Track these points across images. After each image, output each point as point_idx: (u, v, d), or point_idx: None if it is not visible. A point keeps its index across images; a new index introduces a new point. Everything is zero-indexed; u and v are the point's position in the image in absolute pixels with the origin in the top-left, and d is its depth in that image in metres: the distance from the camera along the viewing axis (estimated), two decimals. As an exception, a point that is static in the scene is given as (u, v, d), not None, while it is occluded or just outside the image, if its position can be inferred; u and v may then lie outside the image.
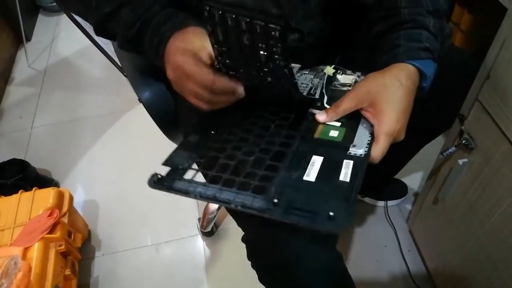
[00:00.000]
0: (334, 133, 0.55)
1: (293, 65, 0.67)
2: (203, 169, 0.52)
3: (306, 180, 0.48)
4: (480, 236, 0.77)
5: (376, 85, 0.54)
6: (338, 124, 0.57)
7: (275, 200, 0.45)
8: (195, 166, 0.52)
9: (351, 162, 0.50)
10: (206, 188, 0.48)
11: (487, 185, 0.71)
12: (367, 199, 1.27)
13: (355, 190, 0.46)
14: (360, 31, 0.76)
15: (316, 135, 0.56)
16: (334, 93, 0.63)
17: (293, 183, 0.48)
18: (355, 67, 0.67)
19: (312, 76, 0.67)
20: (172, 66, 0.54)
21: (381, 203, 1.26)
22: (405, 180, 1.30)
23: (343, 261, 0.64)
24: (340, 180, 0.48)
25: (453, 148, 0.76)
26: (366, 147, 0.53)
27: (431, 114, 0.76)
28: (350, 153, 0.52)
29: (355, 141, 0.53)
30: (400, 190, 1.27)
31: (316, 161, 0.51)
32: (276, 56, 0.47)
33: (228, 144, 0.55)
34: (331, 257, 0.61)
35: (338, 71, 0.68)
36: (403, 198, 1.27)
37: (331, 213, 0.43)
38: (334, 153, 0.52)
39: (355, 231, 1.22)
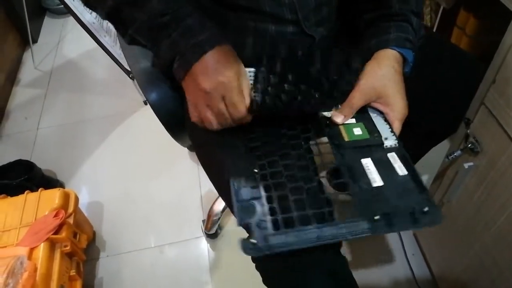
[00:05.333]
0: (358, 131, 0.61)
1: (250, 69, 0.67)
2: (283, 214, 0.51)
3: (377, 187, 0.53)
4: (486, 240, 0.77)
5: (378, 79, 0.60)
6: (353, 120, 0.62)
7: (376, 217, 0.49)
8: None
9: (394, 154, 0.57)
10: (304, 232, 0.49)
11: (492, 188, 0.71)
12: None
13: (419, 178, 0.53)
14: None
15: (346, 138, 0.60)
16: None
17: (370, 194, 0.52)
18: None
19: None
20: (212, 78, 0.55)
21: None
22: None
23: (348, 265, 0.64)
24: (401, 176, 0.54)
25: (459, 152, 0.76)
26: (393, 135, 0.60)
27: (437, 117, 0.76)
28: (386, 146, 0.58)
29: (382, 134, 0.60)
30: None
31: (369, 164, 0.56)
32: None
33: (278, 177, 0.56)
34: (336, 261, 0.61)
35: None
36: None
37: (425, 209, 0.49)
38: (375, 151, 0.58)
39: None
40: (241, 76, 0.58)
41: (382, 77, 0.60)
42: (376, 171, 0.54)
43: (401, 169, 0.55)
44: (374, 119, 0.62)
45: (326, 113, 0.63)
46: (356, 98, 0.60)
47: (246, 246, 0.48)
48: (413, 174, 0.54)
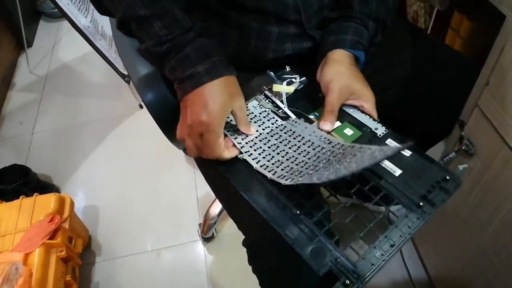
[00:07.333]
0: (349, 131, 0.62)
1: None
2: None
3: (399, 175, 0.55)
4: (481, 241, 0.77)
5: (347, 78, 0.64)
6: (338, 123, 0.63)
7: (421, 203, 0.52)
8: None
9: (390, 139, 0.60)
10: (383, 242, 0.52)
11: (487, 190, 0.71)
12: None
13: (423, 152, 0.57)
14: None
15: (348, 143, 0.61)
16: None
17: (399, 185, 0.54)
18: None
19: (257, 103, 0.68)
20: (195, 115, 0.55)
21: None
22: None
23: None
24: (408, 156, 0.57)
25: (453, 154, 0.76)
26: (378, 123, 0.63)
27: (432, 119, 0.77)
28: (380, 135, 0.61)
29: (370, 125, 0.62)
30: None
31: (382, 159, 0.57)
32: None
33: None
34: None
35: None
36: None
37: (447, 177, 0.53)
38: (374, 143, 0.60)
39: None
40: (237, 109, 0.58)
41: (350, 75, 0.64)
42: (389, 161, 0.56)
43: (404, 151, 0.57)
44: (353, 115, 0.64)
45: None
46: (335, 102, 0.62)
47: None
48: (416, 150, 0.57)
